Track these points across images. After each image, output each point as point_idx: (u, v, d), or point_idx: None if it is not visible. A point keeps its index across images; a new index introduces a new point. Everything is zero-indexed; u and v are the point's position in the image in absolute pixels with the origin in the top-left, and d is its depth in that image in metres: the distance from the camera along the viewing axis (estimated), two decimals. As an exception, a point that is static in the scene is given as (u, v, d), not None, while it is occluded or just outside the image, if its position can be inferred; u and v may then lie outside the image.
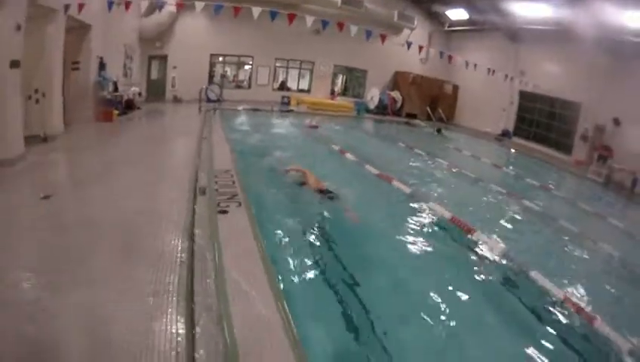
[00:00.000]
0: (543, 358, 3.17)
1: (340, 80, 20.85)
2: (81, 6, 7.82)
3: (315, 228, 4.95)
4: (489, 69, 13.52)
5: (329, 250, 4.52)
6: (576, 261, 5.54)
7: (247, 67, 18.41)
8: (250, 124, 12.95)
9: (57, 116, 7.88)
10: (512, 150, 15.79)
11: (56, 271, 3.16)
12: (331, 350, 2.90)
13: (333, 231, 4.91)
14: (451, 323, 3.43)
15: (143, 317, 2.62)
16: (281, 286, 3.32)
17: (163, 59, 16.08)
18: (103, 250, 3.63)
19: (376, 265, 4.35)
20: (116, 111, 10.33)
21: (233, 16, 9.36)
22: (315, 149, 10.47)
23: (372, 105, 19.24)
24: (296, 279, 3.77)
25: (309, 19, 9.91)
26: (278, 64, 18.66)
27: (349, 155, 9.33)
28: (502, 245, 5.13)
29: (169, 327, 2.54)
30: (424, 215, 6.02)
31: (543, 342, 3.38)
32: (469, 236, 5.34)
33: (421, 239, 5.16)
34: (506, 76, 14.22)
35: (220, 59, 17.82)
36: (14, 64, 6.00)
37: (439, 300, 3.72)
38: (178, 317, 2.63)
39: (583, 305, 3.98)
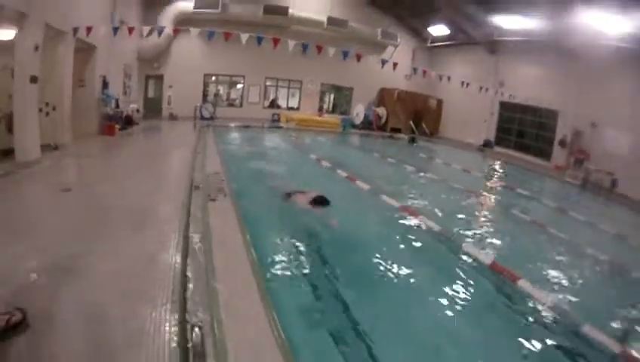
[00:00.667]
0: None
1: (327, 97, 21.79)
2: (88, 29, 8.67)
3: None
4: (462, 82, 14.30)
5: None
6: (527, 243, 6.45)
7: (239, 86, 19.27)
8: (242, 138, 13.88)
9: (67, 128, 8.60)
10: (489, 158, 16.49)
11: (88, 235, 4.06)
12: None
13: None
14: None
15: (152, 253, 3.74)
16: (250, 241, 4.30)
17: (159, 78, 17.00)
18: (121, 222, 4.54)
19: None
20: (117, 126, 11.10)
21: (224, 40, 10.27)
22: (296, 158, 11.68)
23: (358, 121, 20.16)
24: (266, 242, 4.72)
25: (291, 43, 10.61)
26: (268, 83, 19.58)
27: (324, 163, 10.30)
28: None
29: (172, 259, 3.65)
30: (380, 205, 7.06)
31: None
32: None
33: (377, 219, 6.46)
34: (481, 88, 14.75)
35: (213, 78, 18.70)
36: (33, 79, 6.80)
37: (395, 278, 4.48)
38: (176, 252, 3.79)
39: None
